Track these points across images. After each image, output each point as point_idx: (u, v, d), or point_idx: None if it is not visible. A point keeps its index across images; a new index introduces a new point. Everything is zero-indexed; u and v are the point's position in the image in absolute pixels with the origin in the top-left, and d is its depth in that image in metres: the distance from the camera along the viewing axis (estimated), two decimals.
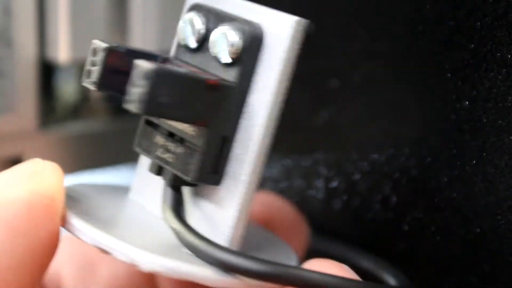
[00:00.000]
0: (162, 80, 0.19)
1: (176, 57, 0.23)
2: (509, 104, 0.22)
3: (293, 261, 0.22)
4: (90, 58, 0.21)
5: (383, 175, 0.26)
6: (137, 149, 0.23)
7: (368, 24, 0.26)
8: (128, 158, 0.34)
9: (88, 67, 0.21)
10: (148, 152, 0.22)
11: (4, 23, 0.29)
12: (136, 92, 0.19)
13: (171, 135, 0.22)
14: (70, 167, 0.33)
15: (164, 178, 0.22)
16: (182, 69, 0.21)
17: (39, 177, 0.21)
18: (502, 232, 0.23)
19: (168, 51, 0.32)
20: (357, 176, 0.27)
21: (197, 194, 0.22)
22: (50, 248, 0.20)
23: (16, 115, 0.30)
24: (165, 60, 0.22)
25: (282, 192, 0.29)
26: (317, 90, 0.28)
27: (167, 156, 0.22)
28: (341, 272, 0.20)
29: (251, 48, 0.21)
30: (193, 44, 0.22)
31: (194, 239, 0.20)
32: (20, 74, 0.30)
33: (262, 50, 0.21)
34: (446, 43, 0.24)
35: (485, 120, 0.23)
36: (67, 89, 0.34)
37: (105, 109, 0.34)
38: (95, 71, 0.21)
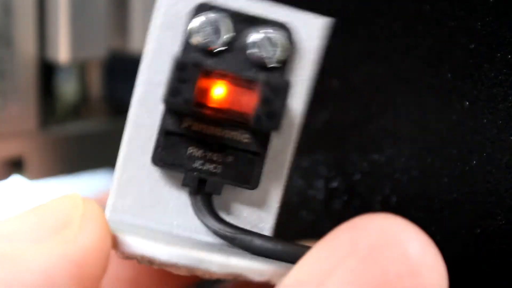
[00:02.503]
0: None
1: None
2: (509, 104, 0.22)
3: None
4: (175, 74, 0.19)
5: (383, 175, 0.26)
6: (160, 164, 0.21)
7: (368, 24, 0.26)
8: None
9: (173, 83, 0.19)
10: (180, 166, 0.21)
11: (4, 23, 0.29)
12: (270, 109, 0.19)
13: (211, 145, 0.21)
14: (70, 167, 0.33)
15: (209, 190, 0.21)
16: (285, 79, 0.20)
17: (69, 232, 0.18)
18: (502, 232, 0.23)
19: None
20: (357, 176, 0.27)
21: (225, 200, 0.22)
22: None
23: (16, 115, 0.30)
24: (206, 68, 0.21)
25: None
26: (317, 90, 0.28)
27: (211, 167, 0.21)
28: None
29: (292, 51, 0.21)
30: (218, 47, 0.21)
31: (264, 242, 0.20)
32: (20, 74, 0.30)
33: (296, 52, 0.21)
34: (446, 43, 0.24)
35: (485, 120, 0.23)
36: (67, 89, 0.34)
37: (105, 109, 0.34)
38: (186, 87, 0.19)
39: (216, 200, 0.22)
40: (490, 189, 0.23)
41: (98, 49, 0.31)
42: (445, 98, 0.24)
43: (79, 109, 0.34)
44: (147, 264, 0.20)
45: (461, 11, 0.23)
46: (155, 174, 0.22)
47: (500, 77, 0.22)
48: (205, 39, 0.21)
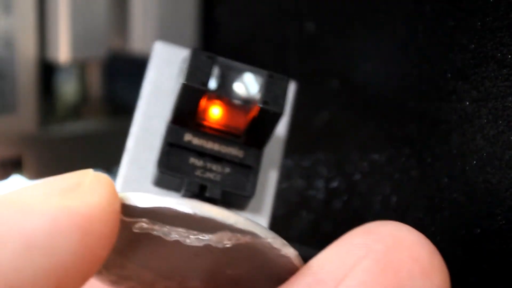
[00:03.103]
0: None
1: None
2: (509, 104, 0.22)
3: None
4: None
5: (383, 175, 0.26)
6: (164, 170, 0.23)
7: (368, 24, 0.26)
8: None
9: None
10: (183, 173, 0.23)
11: (4, 23, 0.29)
12: (275, 94, 0.22)
13: (210, 157, 0.23)
14: (70, 167, 0.33)
15: (210, 194, 0.23)
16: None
17: (78, 192, 0.19)
18: (502, 232, 0.23)
19: None
20: (357, 176, 0.27)
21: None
22: (75, 271, 0.18)
23: (16, 115, 0.30)
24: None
25: (282, 192, 0.29)
26: (317, 90, 0.28)
27: (211, 175, 0.23)
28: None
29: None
30: (212, 86, 0.23)
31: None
32: (20, 74, 0.30)
33: None
34: (446, 43, 0.24)
35: (485, 120, 0.23)
36: (67, 89, 0.34)
37: (105, 109, 0.34)
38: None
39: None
40: (490, 189, 0.23)
41: (98, 49, 0.31)
42: (445, 98, 0.24)
43: (79, 109, 0.34)
44: (149, 230, 0.20)
45: (461, 11, 0.23)
46: (154, 192, 0.23)
47: (500, 77, 0.22)
48: (201, 79, 0.23)
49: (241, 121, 0.23)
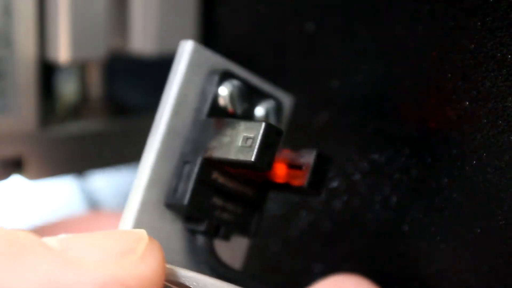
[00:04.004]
0: None
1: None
2: (509, 104, 0.22)
3: None
4: (265, 137, 0.22)
5: (383, 175, 0.26)
6: (191, 209, 0.23)
7: (368, 24, 0.26)
8: (128, 158, 0.34)
9: (262, 146, 0.22)
10: (205, 213, 0.24)
11: (4, 23, 0.29)
12: (319, 178, 0.23)
13: (229, 196, 0.24)
14: (70, 167, 0.33)
15: (222, 236, 0.24)
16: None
17: (130, 260, 0.19)
18: (502, 232, 0.23)
19: (168, 52, 0.32)
20: (357, 176, 0.27)
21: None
22: None
23: (16, 115, 0.30)
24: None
25: None
26: (317, 90, 0.28)
27: (226, 216, 0.24)
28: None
29: (281, 121, 0.26)
30: (238, 111, 0.24)
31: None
32: (20, 74, 0.30)
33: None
34: (446, 43, 0.24)
35: (485, 120, 0.23)
36: (67, 89, 0.34)
37: (105, 109, 0.34)
38: (270, 152, 0.22)
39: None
40: (490, 189, 0.23)
41: (98, 49, 0.31)
42: (445, 98, 0.24)
43: (79, 109, 0.34)
44: None
45: (461, 11, 0.23)
46: (167, 217, 0.24)
47: (500, 77, 0.22)
48: (230, 104, 0.24)
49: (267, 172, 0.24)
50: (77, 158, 0.33)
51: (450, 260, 0.25)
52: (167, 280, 0.21)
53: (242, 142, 0.22)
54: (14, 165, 0.31)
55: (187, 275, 0.21)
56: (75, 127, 0.33)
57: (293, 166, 0.23)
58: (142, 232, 0.20)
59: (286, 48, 0.29)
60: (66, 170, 0.32)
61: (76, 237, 0.19)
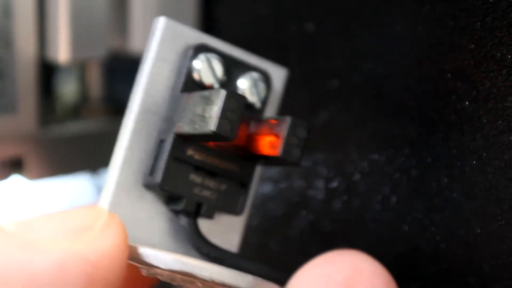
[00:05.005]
0: None
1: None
2: (509, 104, 0.22)
3: None
4: (225, 104, 0.22)
5: (383, 175, 0.26)
6: (166, 188, 0.23)
7: (368, 24, 0.26)
8: None
9: (223, 113, 0.22)
10: (182, 191, 0.23)
11: (4, 23, 0.29)
12: (295, 142, 0.22)
13: (208, 172, 0.23)
14: (70, 167, 0.33)
15: (204, 214, 0.23)
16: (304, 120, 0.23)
17: (88, 236, 0.19)
18: (502, 232, 0.23)
19: None
20: (357, 176, 0.27)
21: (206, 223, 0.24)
22: None
23: (16, 115, 0.30)
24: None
25: (282, 192, 0.29)
26: (317, 90, 0.28)
27: (207, 194, 0.23)
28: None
29: (269, 95, 0.25)
30: (215, 85, 0.24)
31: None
32: (20, 74, 0.30)
33: (271, 95, 0.25)
34: (446, 43, 0.24)
35: (485, 120, 0.23)
36: (67, 89, 0.34)
37: (105, 109, 0.34)
38: (233, 117, 0.22)
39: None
40: (490, 189, 0.23)
41: (98, 49, 0.31)
42: (445, 98, 0.24)
43: (79, 109, 0.34)
44: (167, 280, 0.21)
45: (461, 11, 0.23)
46: (145, 197, 0.23)
47: (500, 77, 0.22)
48: (205, 78, 0.23)
49: (244, 136, 0.23)
50: (77, 158, 0.33)
51: (450, 260, 0.25)
52: (133, 260, 0.21)
53: (205, 113, 0.22)
54: (14, 165, 0.31)
55: (153, 254, 0.21)
56: (75, 127, 0.33)
57: (270, 136, 0.23)
58: (101, 209, 0.20)
59: (286, 48, 0.29)
60: (66, 170, 0.32)
61: (33, 219, 0.19)
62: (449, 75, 0.24)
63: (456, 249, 0.24)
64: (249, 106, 0.24)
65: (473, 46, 0.23)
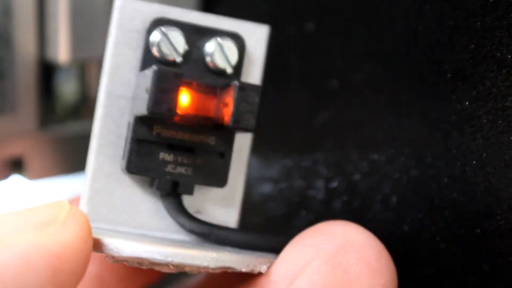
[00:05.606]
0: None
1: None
2: (509, 104, 0.22)
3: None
4: (157, 85, 0.21)
5: (383, 175, 0.26)
6: (134, 171, 0.22)
7: (368, 24, 0.26)
8: None
9: (156, 94, 0.21)
10: (153, 171, 0.22)
11: (4, 23, 0.29)
12: (246, 110, 0.21)
13: (180, 148, 0.23)
14: (70, 167, 0.33)
15: (183, 192, 0.23)
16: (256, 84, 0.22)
17: (51, 228, 0.19)
18: (502, 232, 0.23)
19: None
20: (357, 176, 0.27)
21: (192, 199, 0.24)
22: None
23: (16, 115, 0.30)
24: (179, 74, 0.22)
25: (282, 192, 0.29)
26: (317, 90, 0.28)
27: (183, 170, 0.23)
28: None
29: (244, 58, 0.23)
30: (178, 59, 0.23)
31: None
32: (20, 74, 0.30)
33: (247, 59, 0.24)
34: (446, 43, 0.24)
35: (485, 120, 0.23)
36: (67, 89, 0.34)
37: None
38: (169, 97, 0.21)
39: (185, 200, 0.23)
40: (490, 189, 0.23)
41: (98, 49, 0.31)
42: (445, 98, 0.24)
43: (79, 109, 0.34)
44: (135, 265, 0.21)
45: (461, 11, 0.23)
46: (125, 180, 0.23)
47: (500, 77, 0.22)
48: (164, 52, 0.22)
49: (211, 106, 0.22)
50: (77, 158, 0.33)
51: (450, 260, 0.25)
52: (97, 250, 0.21)
53: (143, 93, 0.21)
54: (14, 165, 0.31)
55: (113, 243, 0.21)
56: (75, 127, 0.33)
57: (226, 104, 0.22)
58: (63, 202, 0.20)
59: (286, 48, 0.29)
60: (66, 170, 0.32)
61: None
62: (449, 75, 0.24)
63: (456, 249, 0.24)
64: (220, 72, 0.23)
65: (473, 46, 0.23)
